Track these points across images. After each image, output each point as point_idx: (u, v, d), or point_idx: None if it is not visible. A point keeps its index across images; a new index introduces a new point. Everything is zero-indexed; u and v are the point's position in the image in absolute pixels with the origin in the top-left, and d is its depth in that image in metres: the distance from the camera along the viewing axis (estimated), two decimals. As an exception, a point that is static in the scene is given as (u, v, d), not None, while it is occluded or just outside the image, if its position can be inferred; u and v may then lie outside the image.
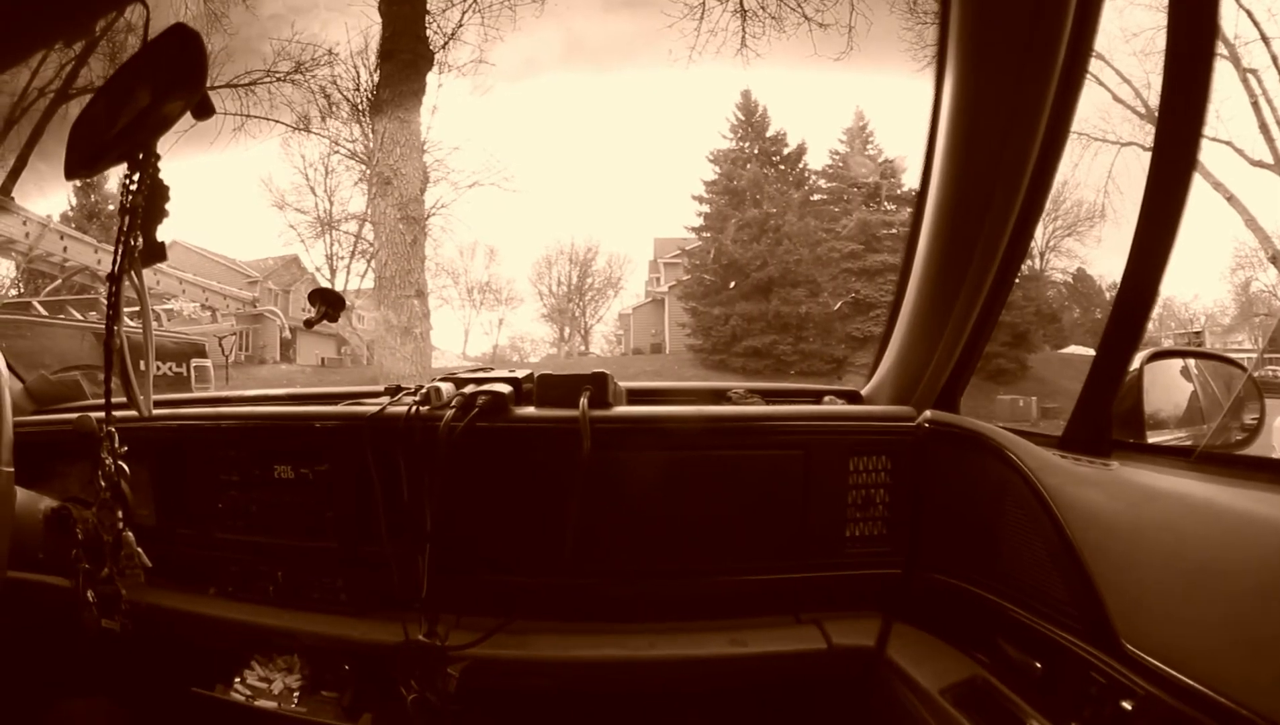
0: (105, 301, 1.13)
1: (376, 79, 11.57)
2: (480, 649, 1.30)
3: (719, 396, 1.59)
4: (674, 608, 1.41)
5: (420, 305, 11.07)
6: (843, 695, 1.42)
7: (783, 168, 17.15)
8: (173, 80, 1.02)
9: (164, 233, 1.11)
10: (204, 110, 1.08)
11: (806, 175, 17.05)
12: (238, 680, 1.51)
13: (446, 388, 1.42)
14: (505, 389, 1.41)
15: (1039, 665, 1.13)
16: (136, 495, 1.69)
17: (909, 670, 1.29)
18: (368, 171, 12.99)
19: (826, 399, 1.64)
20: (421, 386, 1.47)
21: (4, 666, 1.64)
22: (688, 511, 1.40)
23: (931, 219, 1.44)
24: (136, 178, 1.09)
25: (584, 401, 1.35)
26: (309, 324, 1.60)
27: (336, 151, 13.60)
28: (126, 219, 1.10)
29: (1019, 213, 1.35)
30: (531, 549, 1.39)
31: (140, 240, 1.10)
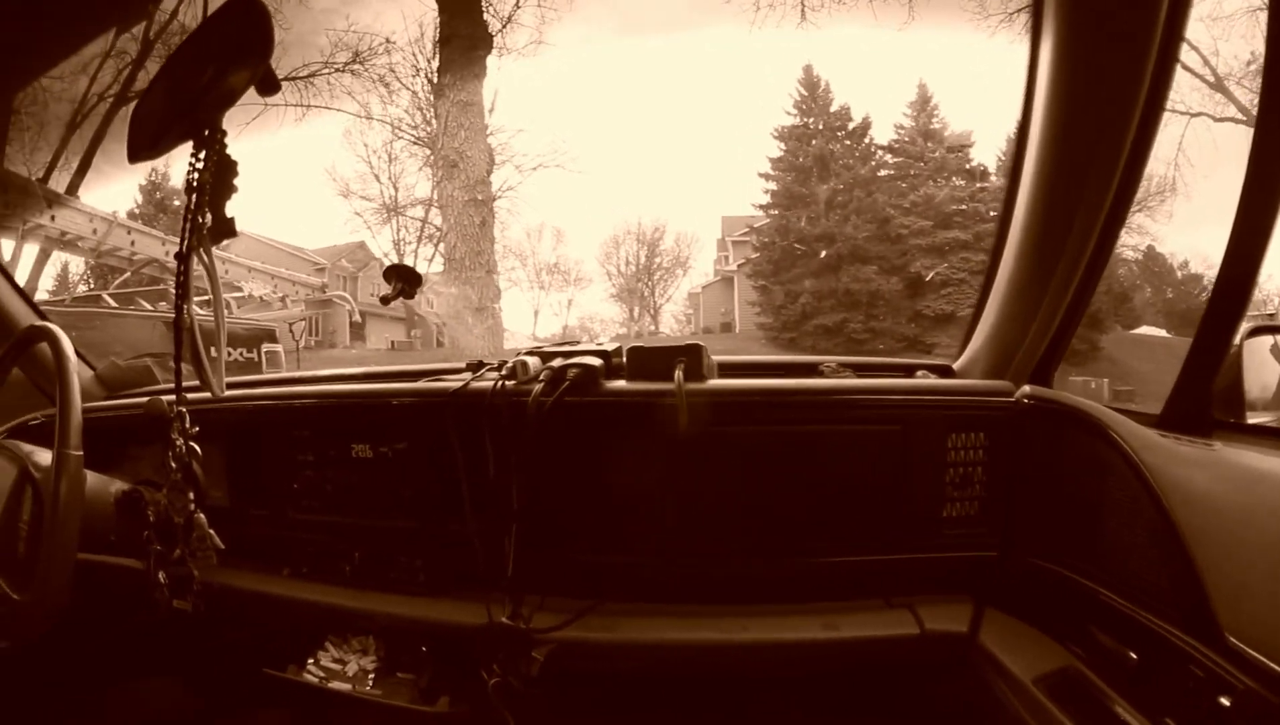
0: (175, 283, 1.10)
1: (436, 64, 11.66)
2: (566, 632, 1.25)
3: (811, 370, 1.50)
4: (765, 589, 1.34)
5: (490, 286, 11.14)
6: (931, 682, 1.36)
7: (848, 143, 16.96)
8: (238, 51, 0.97)
9: (240, 221, 1.08)
10: (269, 85, 1.03)
11: (872, 150, 16.82)
12: (311, 662, 1.49)
13: (533, 361, 1.36)
14: (595, 362, 1.34)
15: (1134, 656, 1.07)
16: (209, 477, 1.66)
17: (1002, 658, 1.22)
18: (432, 156, 13.10)
19: (919, 373, 1.56)
20: (505, 361, 1.41)
21: (77, 646, 1.65)
22: (781, 489, 1.32)
23: (1029, 187, 1.36)
24: (203, 155, 1.06)
25: (679, 374, 1.28)
26: (385, 300, 1.56)
27: (400, 137, 13.73)
28: (194, 197, 1.07)
29: (1119, 179, 1.26)
30: (620, 527, 1.33)
31: (209, 217, 1.07)
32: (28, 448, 1.47)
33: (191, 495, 1.27)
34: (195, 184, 1.06)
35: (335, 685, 1.43)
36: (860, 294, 15.43)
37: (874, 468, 1.32)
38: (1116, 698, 1.07)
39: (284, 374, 1.82)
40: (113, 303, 8.29)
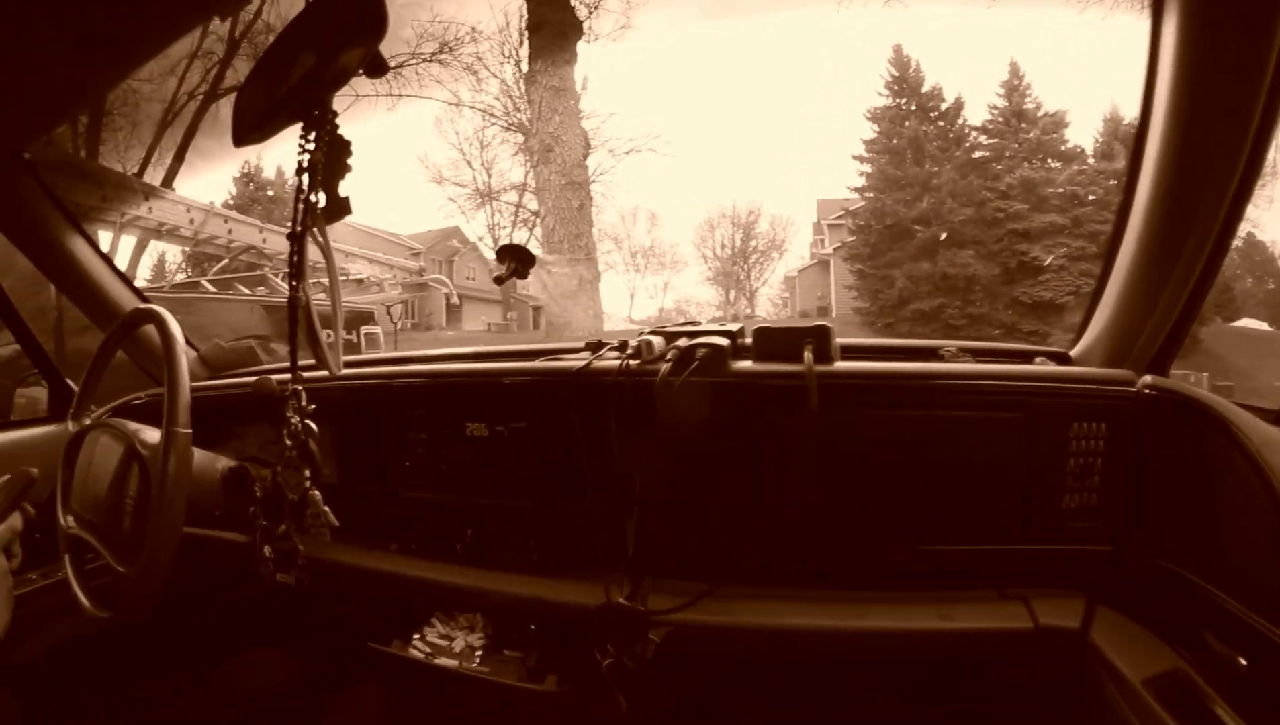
0: (289, 264, 1.10)
1: (526, 51, 11.75)
2: (683, 614, 1.22)
3: (931, 354, 1.44)
4: (878, 577, 1.29)
5: (590, 269, 11.21)
6: (1037, 677, 1.32)
7: (941, 124, 16.68)
8: (352, 30, 0.92)
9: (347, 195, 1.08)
10: (378, 67, 1.01)
11: (966, 131, 16.52)
12: (417, 637, 1.48)
13: (657, 341, 1.32)
14: (722, 342, 1.30)
15: (1244, 662, 1.02)
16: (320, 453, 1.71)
17: (1112, 658, 1.16)
18: (526, 141, 13.19)
19: (1038, 360, 1.49)
20: (625, 341, 1.39)
21: (183, 618, 1.69)
22: (899, 475, 1.27)
23: (1151, 172, 1.28)
24: (312, 136, 1.05)
25: (809, 355, 1.23)
26: (500, 280, 1.54)
27: (494, 124, 13.86)
28: (305, 177, 1.06)
29: (1245, 163, 1.20)
30: (740, 510, 1.29)
31: (322, 197, 1.06)
32: (134, 426, 1.49)
33: (308, 473, 1.26)
34: (307, 164, 1.05)
35: (441, 661, 1.43)
36: (957, 279, 15.16)
37: (994, 455, 1.27)
38: (1224, 705, 1.02)
39: (396, 353, 1.83)
40: (211, 288, 8.55)
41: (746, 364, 1.31)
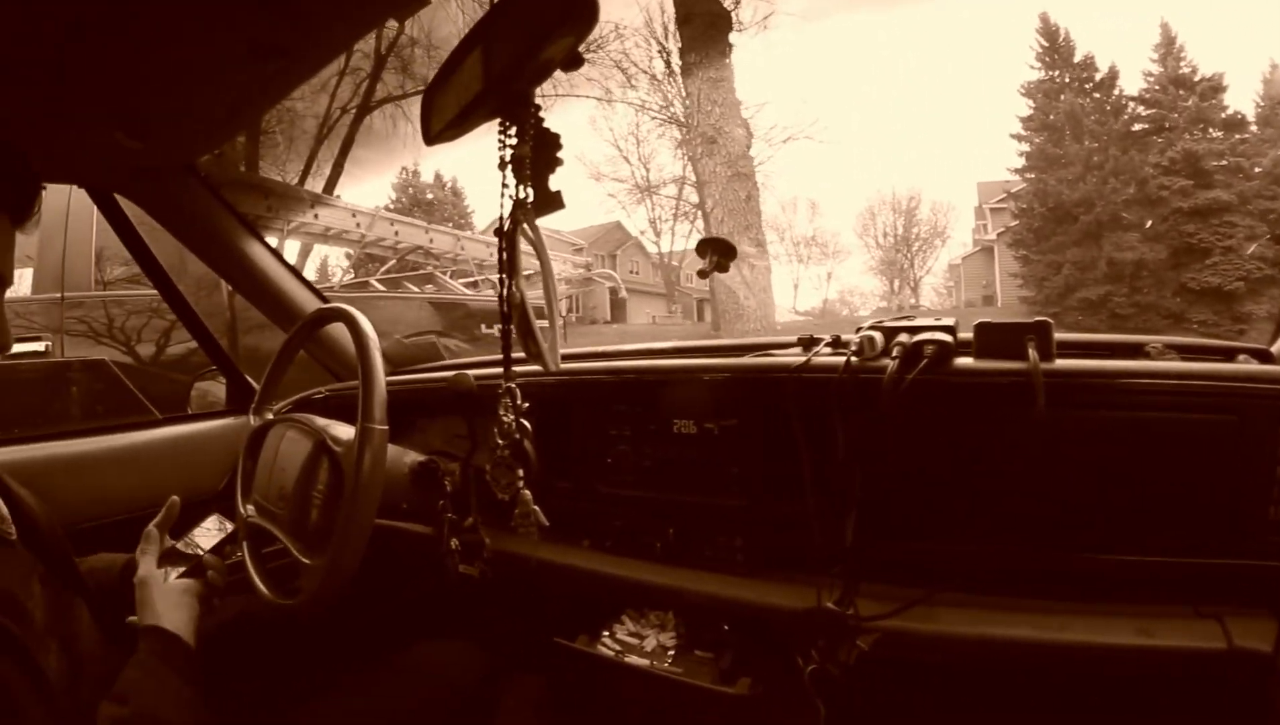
0: (499, 261, 1.09)
1: (676, 45, 11.84)
2: (890, 621, 1.17)
3: (1136, 351, 1.33)
4: (1079, 587, 1.20)
5: (761, 260, 11.23)
6: (1222, 700, 1.19)
7: (1097, 96, 16.18)
8: (561, 18, 0.88)
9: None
10: (574, 60, 1.00)
11: (1123, 102, 15.97)
12: (606, 634, 1.47)
13: (879, 337, 1.26)
14: (947, 338, 1.24)
15: None
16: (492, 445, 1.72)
17: None
18: (686, 135, 13.29)
19: (1240, 358, 1.34)
20: (838, 336, 1.36)
21: (364, 606, 1.72)
22: (1104, 479, 1.18)
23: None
24: (513, 130, 1.03)
25: (1033, 353, 1.16)
26: (702, 274, 1.51)
27: (654, 117, 14.03)
28: (510, 172, 1.05)
29: None
30: (953, 513, 1.22)
31: (530, 192, 1.04)
32: (322, 422, 1.53)
33: (521, 473, 1.26)
34: (512, 159, 1.03)
35: (632, 660, 1.41)
36: (1123, 265, 14.65)
37: (1201, 460, 1.16)
38: None
39: (594, 348, 1.83)
40: (380, 287, 8.91)
41: (968, 361, 1.24)
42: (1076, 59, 16.45)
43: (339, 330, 2.20)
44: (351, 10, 1.29)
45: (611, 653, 1.43)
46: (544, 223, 1.10)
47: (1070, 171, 15.42)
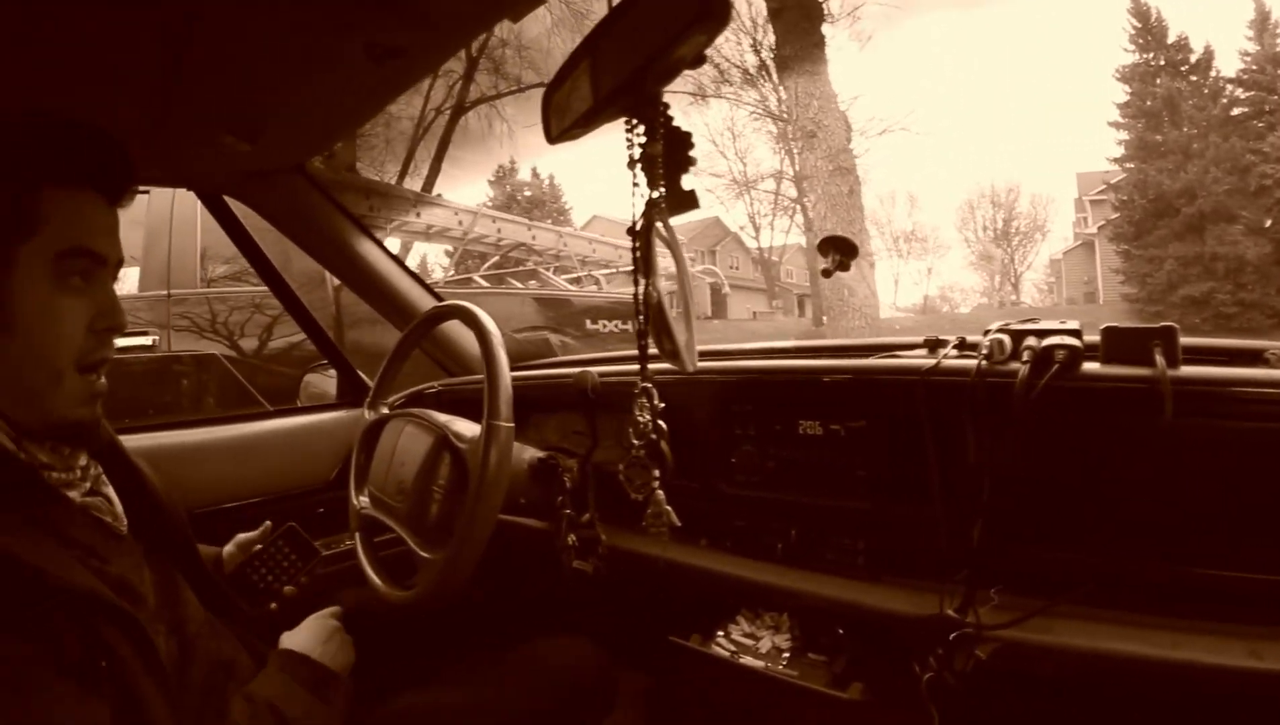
0: (632, 260, 1.09)
1: (773, 38, 11.80)
2: (1011, 631, 1.14)
3: (1256, 358, 1.26)
4: (1192, 603, 1.15)
5: (864, 255, 11.13)
6: None
7: (1194, 79, 15.69)
8: (697, 17, 0.86)
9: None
10: (699, 59, 1.00)
11: (1220, 85, 15.43)
12: (720, 634, 1.47)
13: (1006, 340, 1.23)
14: (1076, 342, 1.20)
15: None
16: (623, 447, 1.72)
17: None
18: (784, 129, 13.22)
19: None
20: (963, 338, 1.33)
21: (485, 601, 1.75)
22: (1220, 491, 1.13)
23: None
24: (642, 129, 1.03)
25: (1160, 359, 1.12)
26: (826, 273, 1.50)
27: (751, 112, 14.02)
28: (640, 171, 1.05)
29: None
30: (1077, 523, 1.19)
31: (663, 190, 1.04)
32: (443, 418, 1.56)
33: (656, 473, 1.27)
34: (644, 158, 1.03)
35: (746, 661, 1.41)
36: (1227, 259, 14.14)
37: None
38: None
39: (714, 347, 1.81)
40: (484, 283, 9.08)
41: (1094, 366, 1.20)
42: (1170, 40, 15.93)
43: (452, 326, 2.27)
44: (468, 10, 1.30)
45: (726, 653, 1.44)
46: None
47: (1170, 161, 14.90)
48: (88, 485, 1.05)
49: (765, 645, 1.42)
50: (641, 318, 1.08)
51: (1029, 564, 1.19)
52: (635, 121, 1.03)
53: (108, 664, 0.88)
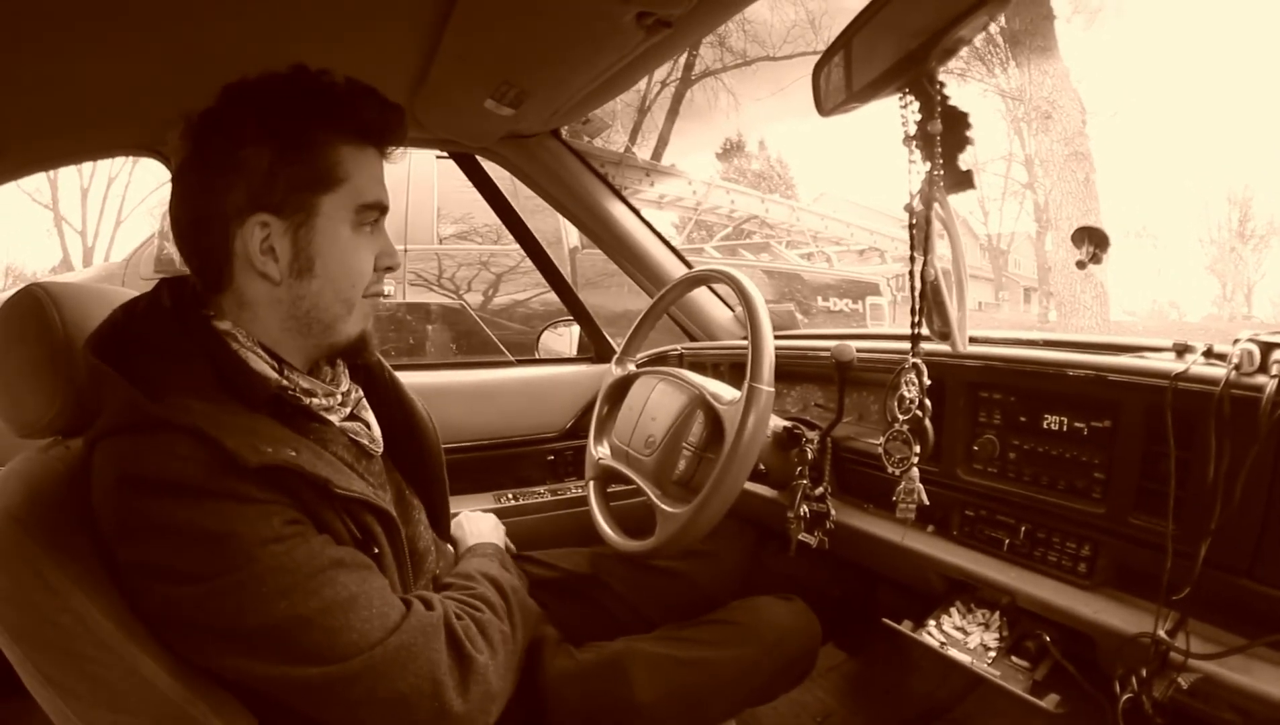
0: (910, 237, 1.12)
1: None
2: (1213, 664, 1.09)
3: None
4: None
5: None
6: None
7: None
8: None
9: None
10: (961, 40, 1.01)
11: None
12: (932, 623, 1.49)
13: (1255, 350, 1.15)
14: None
15: None
16: (862, 424, 1.77)
17: None
18: (1014, 108, 12.63)
19: None
20: (1211, 345, 1.26)
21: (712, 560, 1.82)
22: None
23: None
24: (917, 106, 1.05)
25: None
26: (1080, 265, 1.50)
27: (985, 91, 13.52)
28: (917, 148, 1.06)
29: None
30: None
31: (942, 168, 1.06)
32: (700, 378, 1.65)
33: (917, 449, 1.30)
34: (922, 135, 1.06)
35: (953, 654, 1.42)
36: None
37: None
38: None
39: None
40: (715, 254, 9.26)
41: None
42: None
43: (698, 292, 2.40)
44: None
45: (936, 643, 1.45)
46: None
47: None
48: (347, 411, 1.23)
49: (974, 641, 1.44)
50: (917, 295, 1.12)
51: (1236, 595, 1.13)
52: (909, 98, 1.06)
53: (379, 552, 1.08)
